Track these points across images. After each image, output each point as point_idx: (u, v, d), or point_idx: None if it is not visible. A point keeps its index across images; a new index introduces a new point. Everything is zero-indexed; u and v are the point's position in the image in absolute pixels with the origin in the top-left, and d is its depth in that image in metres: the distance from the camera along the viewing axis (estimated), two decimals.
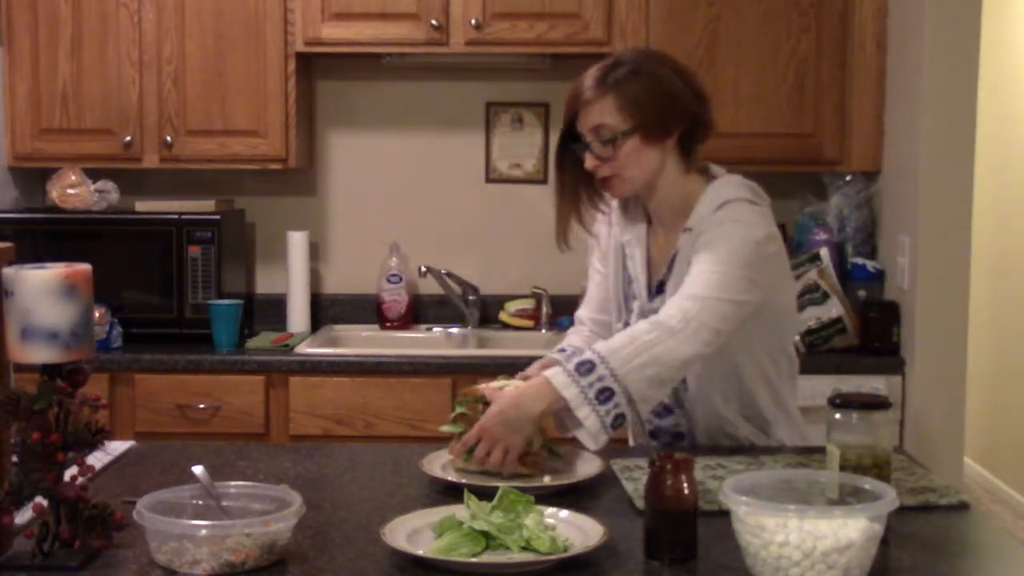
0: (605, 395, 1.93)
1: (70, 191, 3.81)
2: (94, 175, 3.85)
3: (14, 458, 1.57)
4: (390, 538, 1.59)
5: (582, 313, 2.39)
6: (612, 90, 2.11)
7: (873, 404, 1.74)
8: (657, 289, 2.20)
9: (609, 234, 2.31)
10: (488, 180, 4.10)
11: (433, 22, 3.66)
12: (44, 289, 1.54)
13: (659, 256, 2.23)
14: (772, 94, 3.75)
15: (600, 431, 1.93)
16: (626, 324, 2.23)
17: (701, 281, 2.02)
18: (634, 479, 1.92)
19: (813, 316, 3.55)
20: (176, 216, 3.65)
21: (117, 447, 2.12)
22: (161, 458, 2.13)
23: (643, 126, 2.10)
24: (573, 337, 2.35)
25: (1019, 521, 5.34)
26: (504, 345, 3.81)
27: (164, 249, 3.65)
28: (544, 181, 4.14)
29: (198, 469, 1.68)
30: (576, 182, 2.22)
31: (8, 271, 1.56)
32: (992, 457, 5.78)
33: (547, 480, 1.92)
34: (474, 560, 1.55)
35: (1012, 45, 5.49)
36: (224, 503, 1.65)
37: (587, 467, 1.97)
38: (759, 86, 3.74)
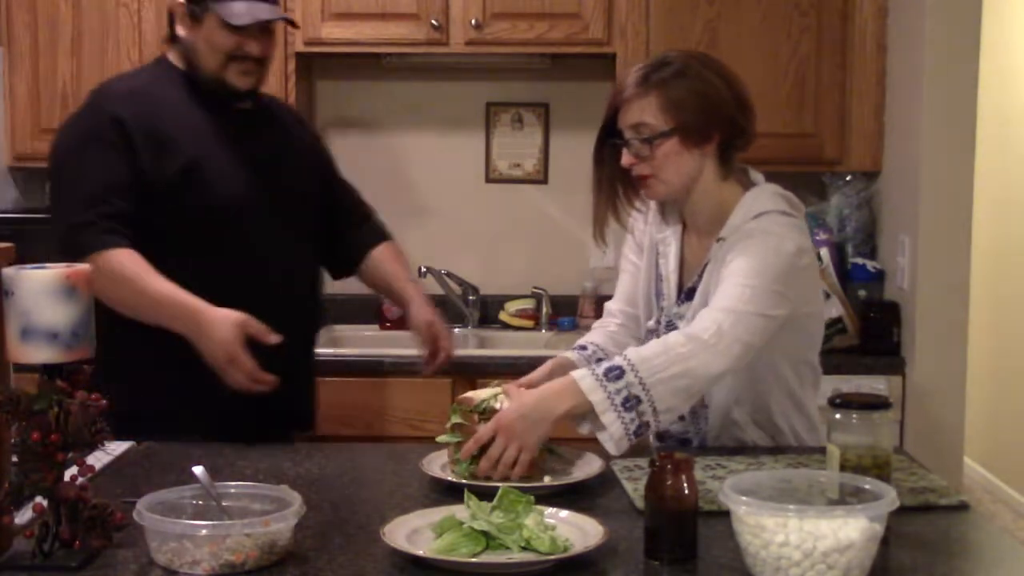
0: (631, 403, 1.91)
1: None
2: None
3: (14, 458, 1.57)
4: (390, 538, 1.59)
5: (612, 305, 2.37)
6: (655, 89, 2.09)
7: (873, 404, 1.74)
8: (686, 295, 2.19)
9: (644, 229, 2.30)
10: (488, 180, 4.10)
11: (433, 22, 3.66)
12: (44, 289, 1.54)
13: (691, 260, 2.21)
14: (772, 94, 3.74)
15: (623, 438, 1.92)
16: (657, 322, 2.23)
17: (735, 294, 2.00)
18: (634, 479, 1.92)
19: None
20: None
21: (117, 447, 2.12)
22: (161, 458, 2.13)
23: (683, 129, 2.09)
24: (596, 333, 2.33)
25: (1019, 521, 5.34)
26: (504, 345, 3.81)
27: None
28: (544, 181, 4.14)
29: (198, 469, 1.68)
30: (614, 178, 2.21)
31: (8, 271, 1.55)
32: (992, 457, 5.78)
33: (547, 480, 1.91)
34: (474, 560, 1.55)
35: (1012, 45, 5.49)
36: (224, 503, 1.65)
37: (587, 467, 1.97)
38: (759, 86, 3.71)
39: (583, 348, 2.27)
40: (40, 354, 1.55)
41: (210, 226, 2.40)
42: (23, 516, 1.59)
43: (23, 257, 1.64)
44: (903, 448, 2.97)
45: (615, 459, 2.03)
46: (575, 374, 1.96)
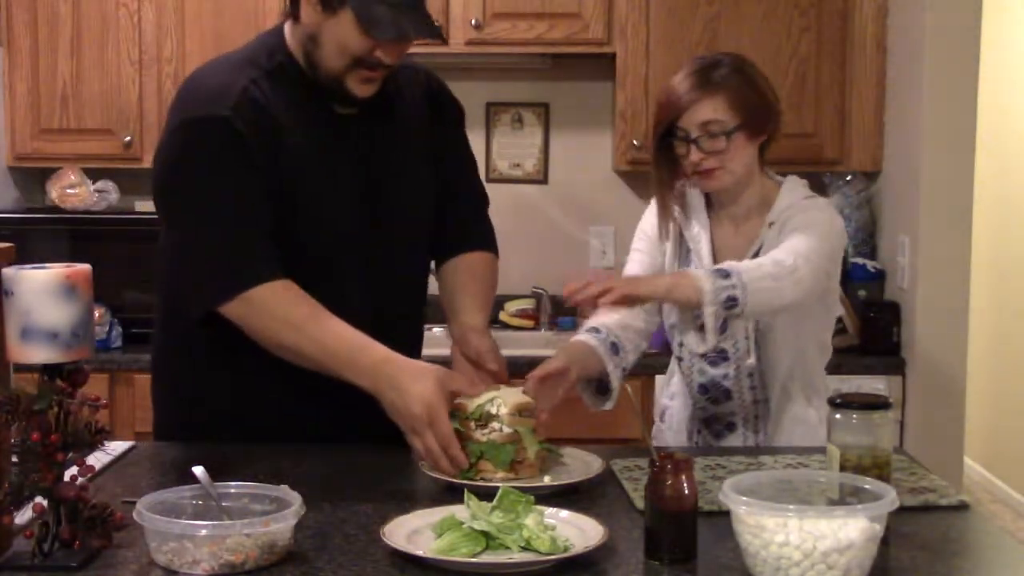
0: (731, 303, 2.04)
1: (70, 191, 3.81)
2: (94, 175, 3.85)
3: (14, 458, 1.57)
4: (390, 538, 1.58)
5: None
6: (723, 88, 2.21)
7: (873, 404, 1.74)
8: None
9: (665, 227, 2.37)
10: (488, 180, 4.09)
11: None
12: (44, 289, 1.54)
13: (725, 248, 2.30)
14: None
15: (714, 332, 2.07)
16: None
17: (804, 245, 2.14)
18: (634, 479, 1.92)
19: None
20: None
21: (117, 447, 2.12)
22: (161, 458, 2.13)
23: (748, 123, 2.22)
24: (604, 316, 2.37)
25: (1019, 521, 5.34)
26: (504, 345, 3.75)
27: None
28: (544, 181, 4.14)
29: (198, 469, 1.68)
30: (672, 177, 2.31)
31: (8, 271, 1.55)
32: (992, 457, 5.78)
33: (547, 480, 1.91)
34: (474, 560, 1.55)
35: (1012, 45, 5.49)
36: (224, 503, 1.65)
37: (587, 467, 1.97)
38: None
39: (597, 331, 2.31)
40: (40, 354, 1.55)
41: (297, 253, 2.08)
42: (23, 516, 1.59)
43: (23, 257, 1.64)
44: (903, 448, 2.97)
45: (615, 459, 2.03)
46: (687, 270, 2.18)
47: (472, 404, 1.96)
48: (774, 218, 2.26)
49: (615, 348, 2.30)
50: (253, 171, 2.04)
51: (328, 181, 2.12)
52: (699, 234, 2.33)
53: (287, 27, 2.14)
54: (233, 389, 2.17)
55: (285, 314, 2.01)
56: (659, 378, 3.50)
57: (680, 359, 2.38)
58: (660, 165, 2.30)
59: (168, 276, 2.19)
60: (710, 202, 2.35)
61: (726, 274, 2.05)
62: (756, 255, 2.24)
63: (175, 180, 2.08)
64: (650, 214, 2.42)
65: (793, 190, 2.30)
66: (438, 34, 2.10)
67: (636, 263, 2.42)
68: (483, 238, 2.37)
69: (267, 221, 2.05)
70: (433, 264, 2.36)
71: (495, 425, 1.93)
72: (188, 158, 2.06)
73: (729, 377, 2.31)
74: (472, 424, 1.94)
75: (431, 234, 2.29)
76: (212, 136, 2.04)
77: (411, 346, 2.23)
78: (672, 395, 2.48)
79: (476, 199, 2.40)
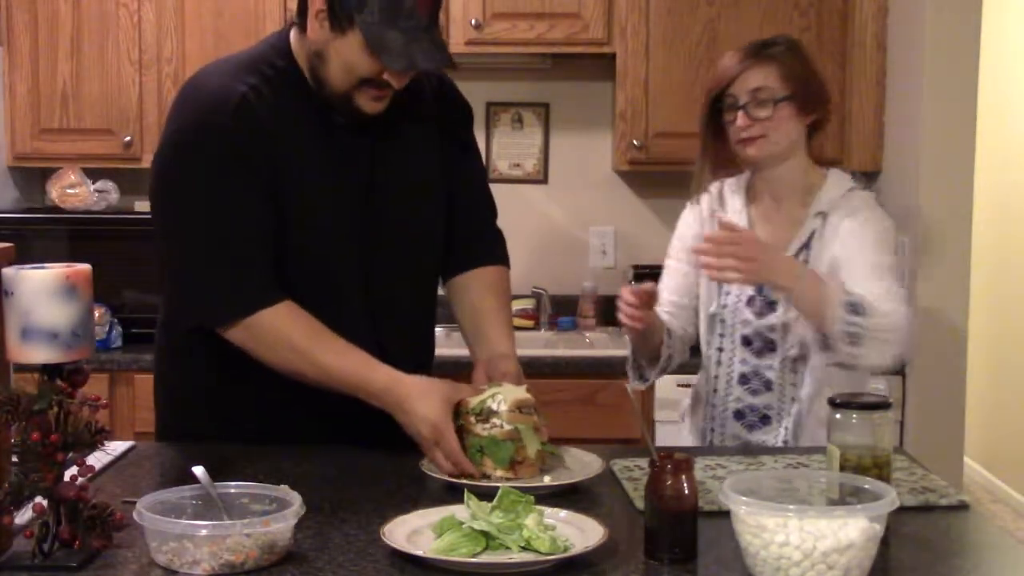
0: (855, 339, 2.11)
1: (70, 191, 3.81)
2: (94, 175, 3.85)
3: (14, 458, 1.57)
4: (390, 538, 1.58)
5: (663, 295, 2.45)
6: (776, 60, 2.29)
7: (873, 404, 1.74)
8: None
9: (698, 227, 2.42)
10: (488, 180, 4.09)
11: None
12: (44, 289, 1.54)
13: (769, 238, 2.32)
14: None
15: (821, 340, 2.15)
16: (722, 307, 2.37)
17: (897, 295, 2.21)
18: (634, 479, 1.92)
19: None
20: None
21: (117, 447, 2.12)
22: (161, 458, 2.13)
23: (798, 96, 2.28)
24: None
25: (1019, 521, 5.34)
26: None
27: None
28: (544, 181, 4.14)
29: (198, 469, 1.68)
30: (717, 144, 2.36)
31: (8, 271, 1.55)
32: (992, 457, 5.78)
33: (547, 480, 1.91)
34: (474, 560, 1.55)
35: (1012, 45, 5.49)
36: (224, 503, 1.65)
37: (587, 467, 1.97)
38: None
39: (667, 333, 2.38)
40: (40, 354, 1.55)
41: (299, 267, 2.06)
42: (23, 516, 1.59)
43: (23, 257, 1.64)
44: (903, 448, 2.97)
45: (615, 459, 2.03)
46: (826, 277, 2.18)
47: (474, 400, 1.96)
48: (823, 208, 2.30)
49: (668, 332, 2.38)
50: (252, 184, 2.00)
51: (328, 191, 2.08)
52: (737, 223, 2.32)
53: (293, 34, 2.10)
54: (234, 391, 2.16)
55: (288, 340, 2.00)
56: (663, 378, 3.50)
57: (721, 349, 2.38)
58: (706, 136, 2.37)
59: (165, 287, 2.17)
60: (750, 195, 2.39)
61: (859, 309, 2.11)
62: (805, 246, 2.29)
63: (172, 192, 2.04)
64: (686, 216, 2.47)
65: (840, 180, 2.35)
66: (450, 62, 2.03)
67: (671, 273, 2.47)
68: (495, 251, 2.33)
69: (267, 238, 2.02)
70: (441, 276, 2.32)
71: (496, 421, 1.93)
72: (186, 170, 2.02)
73: (774, 368, 2.33)
74: (473, 419, 1.94)
75: (439, 248, 2.25)
76: (210, 147, 2.00)
77: (419, 358, 2.22)
78: (699, 392, 2.46)
79: (485, 210, 2.35)
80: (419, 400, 1.95)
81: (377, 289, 2.14)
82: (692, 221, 2.47)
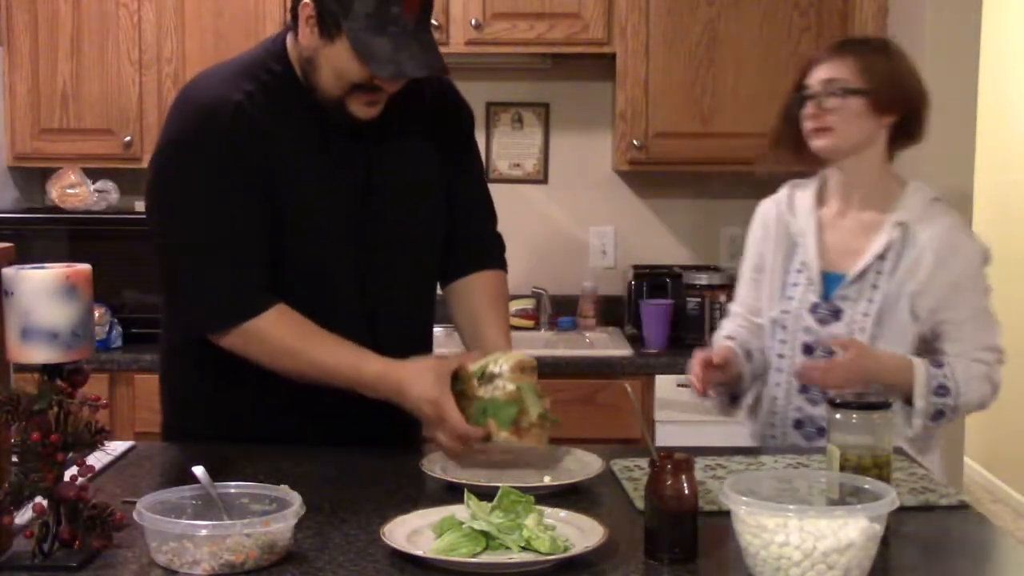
0: (939, 416, 2.22)
1: (70, 191, 3.81)
2: (94, 175, 3.85)
3: (14, 458, 1.57)
4: (390, 538, 1.58)
5: (735, 307, 2.48)
6: (854, 54, 2.27)
7: (873, 404, 1.74)
8: (858, 277, 2.27)
9: (765, 237, 2.41)
10: (488, 180, 4.08)
11: (433, 22, 3.65)
12: (44, 289, 1.54)
13: (838, 243, 2.31)
14: (772, 94, 3.72)
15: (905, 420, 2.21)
16: (784, 313, 2.33)
17: (987, 330, 2.34)
18: (634, 479, 1.92)
19: None
20: None
21: (117, 447, 2.12)
22: (161, 458, 2.13)
23: (872, 93, 2.24)
24: (730, 325, 2.45)
25: (1019, 521, 5.34)
26: None
27: None
28: (544, 181, 4.14)
29: (198, 469, 1.68)
30: (793, 134, 2.33)
31: (8, 271, 1.55)
32: (992, 457, 5.78)
33: (547, 480, 1.91)
34: (474, 560, 1.55)
35: (1012, 45, 5.49)
36: (224, 503, 1.65)
37: (587, 467, 1.97)
38: (759, 86, 3.74)
39: (731, 338, 2.41)
40: (40, 354, 1.55)
41: (296, 269, 2.07)
42: (23, 516, 1.59)
43: (23, 257, 1.64)
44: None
45: (615, 459, 2.03)
46: (915, 361, 2.20)
47: (475, 365, 1.97)
48: (904, 218, 2.26)
49: (748, 355, 2.37)
50: (247, 188, 2.01)
51: (324, 194, 2.08)
52: (805, 227, 2.33)
53: (289, 38, 2.09)
54: (235, 392, 2.16)
55: (280, 343, 2.02)
56: (663, 378, 3.51)
57: (782, 356, 2.33)
58: (783, 125, 2.35)
59: (162, 293, 2.17)
60: (820, 198, 2.36)
61: (944, 391, 2.20)
62: (881, 256, 2.25)
63: (167, 196, 2.05)
64: (755, 228, 2.45)
65: (921, 190, 2.31)
66: (441, 67, 2.02)
67: (746, 285, 2.46)
68: (493, 256, 2.33)
69: (261, 243, 2.03)
70: (440, 280, 2.32)
71: (498, 383, 1.94)
72: (181, 174, 2.03)
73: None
74: (475, 383, 1.95)
75: (438, 251, 2.25)
76: (205, 152, 2.00)
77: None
78: (760, 397, 2.43)
79: (485, 214, 2.34)
80: (414, 382, 1.96)
81: (374, 291, 2.14)
82: (759, 230, 2.43)
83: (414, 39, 1.96)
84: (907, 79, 2.29)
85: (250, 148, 2.01)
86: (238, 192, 2.01)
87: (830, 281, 2.29)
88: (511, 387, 1.93)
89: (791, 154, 2.36)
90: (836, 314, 2.27)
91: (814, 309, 2.29)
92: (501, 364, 1.96)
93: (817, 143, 2.27)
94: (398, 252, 2.16)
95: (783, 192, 2.42)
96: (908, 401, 2.21)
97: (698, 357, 2.25)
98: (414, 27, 1.96)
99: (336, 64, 1.98)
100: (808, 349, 2.29)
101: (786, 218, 2.38)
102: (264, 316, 2.01)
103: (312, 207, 2.07)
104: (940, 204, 2.30)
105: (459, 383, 1.96)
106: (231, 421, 2.17)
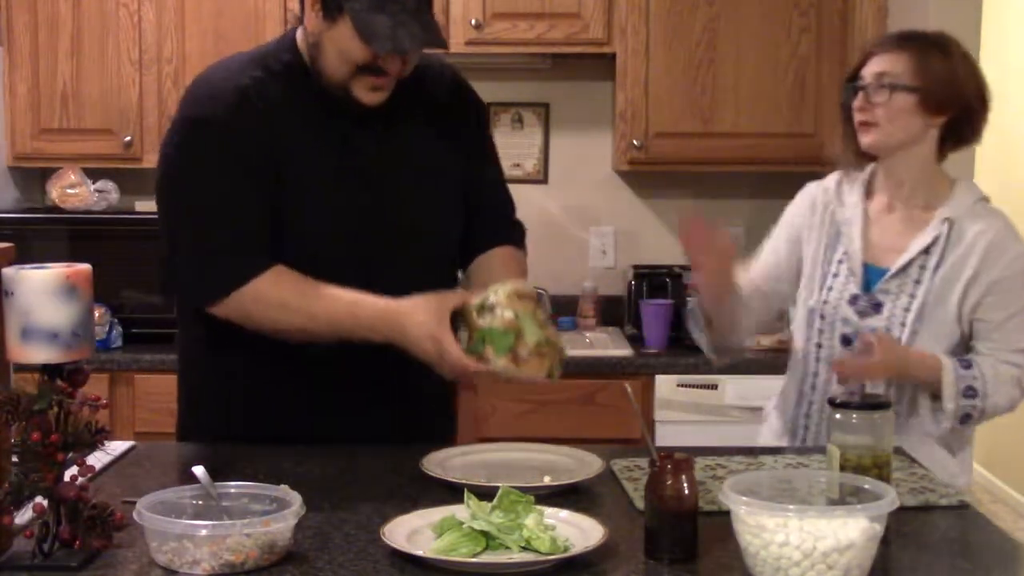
0: (966, 419, 2.20)
1: (70, 191, 3.81)
2: (94, 175, 3.85)
3: (14, 458, 1.57)
4: (390, 538, 1.58)
5: (750, 273, 2.44)
6: (910, 49, 2.23)
7: (873, 404, 1.74)
8: (901, 270, 2.25)
9: (811, 220, 2.38)
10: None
11: None
12: (44, 289, 1.54)
13: (881, 237, 2.30)
14: (772, 94, 3.75)
15: (931, 419, 2.22)
16: (823, 303, 2.30)
17: None
18: (634, 479, 1.92)
19: None
20: None
21: (117, 447, 2.12)
22: (161, 458, 2.13)
23: (923, 91, 2.20)
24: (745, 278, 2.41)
25: (1019, 521, 5.34)
26: None
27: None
28: (544, 181, 4.14)
29: (198, 469, 1.68)
30: (847, 122, 2.30)
31: (8, 271, 1.55)
32: (992, 457, 5.78)
33: (547, 480, 1.91)
34: (474, 560, 1.55)
35: (1012, 45, 5.49)
36: (224, 503, 1.65)
37: (587, 467, 1.97)
38: (759, 86, 3.74)
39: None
40: (40, 354, 1.55)
41: (300, 254, 2.07)
42: (23, 516, 1.59)
43: (23, 257, 1.64)
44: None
45: (615, 459, 2.03)
46: (944, 361, 2.18)
47: (476, 299, 1.97)
48: (951, 215, 2.24)
49: (747, 308, 2.36)
50: (247, 170, 2.04)
51: (330, 180, 2.09)
52: (852, 218, 2.32)
53: (299, 32, 2.14)
54: (254, 391, 2.17)
55: (280, 301, 2.03)
56: (663, 378, 3.51)
57: (820, 346, 2.32)
58: (844, 117, 2.31)
59: (166, 270, 2.19)
60: (869, 190, 2.34)
61: (973, 393, 2.17)
62: (926, 251, 2.23)
63: (171, 179, 2.10)
64: (800, 202, 2.42)
65: (970, 189, 2.29)
66: (439, 43, 2.05)
67: (765, 254, 2.44)
68: (513, 237, 2.34)
69: (261, 217, 2.05)
70: (460, 268, 2.32)
71: (496, 311, 1.94)
72: (183, 157, 2.09)
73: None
74: (475, 314, 1.95)
75: (451, 241, 2.25)
76: (207, 136, 2.06)
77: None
78: (788, 391, 2.43)
79: (503, 203, 2.35)
80: (413, 320, 1.97)
81: (380, 277, 2.11)
82: (805, 210, 2.40)
83: (414, 18, 2.00)
84: (963, 80, 2.24)
85: (253, 129, 2.05)
86: (239, 168, 2.05)
87: (872, 274, 2.28)
88: (508, 315, 1.93)
89: (853, 150, 2.31)
90: (876, 307, 2.26)
91: (854, 301, 2.28)
92: (499, 292, 1.96)
93: (863, 138, 2.25)
94: (408, 239, 2.16)
95: (832, 180, 2.39)
96: (935, 397, 2.21)
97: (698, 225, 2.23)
98: (415, 6, 2.00)
99: (340, 45, 2.01)
100: (846, 341, 2.27)
101: (832, 206, 2.36)
102: (262, 277, 2.03)
103: (317, 192, 2.09)
104: (989, 204, 2.29)
105: (462, 319, 1.96)
106: (249, 421, 2.18)
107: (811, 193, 2.42)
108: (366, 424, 2.14)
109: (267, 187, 2.05)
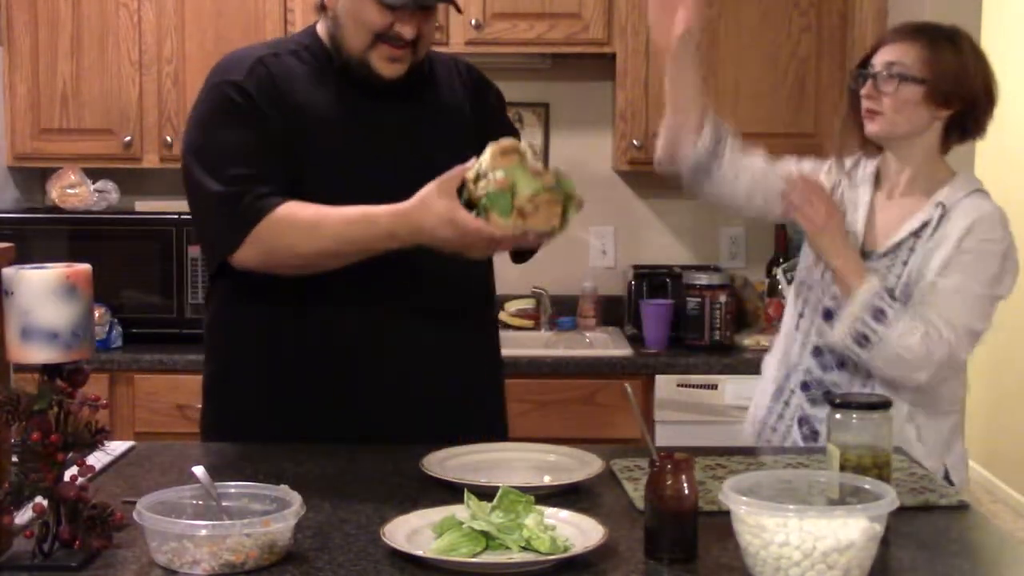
0: (863, 340, 2.16)
1: (70, 191, 3.81)
2: (94, 175, 3.85)
3: (14, 458, 1.57)
4: (390, 538, 1.58)
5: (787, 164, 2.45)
6: (921, 40, 2.23)
7: (873, 404, 1.74)
8: (890, 250, 2.27)
9: (839, 165, 2.40)
10: None
11: None
12: (44, 289, 1.54)
13: (882, 220, 2.31)
14: (772, 94, 3.75)
15: (844, 336, 2.19)
16: (814, 276, 2.33)
17: (965, 317, 2.22)
18: (634, 479, 1.92)
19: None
20: (176, 216, 3.65)
21: (117, 447, 2.12)
22: (161, 458, 2.13)
23: (931, 83, 2.21)
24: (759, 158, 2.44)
25: (1019, 521, 5.34)
26: (504, 345, 3.78)
27: (164, 249, 3.65)
28: None
29: (198, 469, 1.68)
30: (853, 110, 2.31)
31: (8, 271, 1.55)
32: (992, 457, 5.78)
33: (547, 480, 1.92)
34: (474, 560, 1.55)
35: (1012, 45, 5.49)
36: (224, 503, 1.65)
37: (587, 467, 1.97)
38: (759, 86, 3.74)
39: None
40: (40, 354, 1.55)
41: None
42: (23, 516, 1.59)
43: (23, 257, 1.64)
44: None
45: (615, 459, 2.03)
46: (870, 275, 2.20)
47: (471, 171, 1.96)
48: (944, 200, 2.24)
49: (720, 137, 2.40)
50: (260, 126, 2.10)
51: (352, 157, 2.14)
52: (858, 202, 2.33)
53: (319, 23, 2.21)
54: (280, 392, 2.19)
55: (296, 228, 2.04)
56: (663, 378, 3.51)
57: (801, 315, 2.35)
58: (850, 102, 2.32)
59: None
60: (878, 180, 2.35)
61: (879, 315, 2.14)
62: (916, 233, 2.24)
63: (188, 133, 2.17)
64: (820, 164, 2.44)
65: (968, 181, 2.30)
66: (454, 2, 2.14)
67: (785, 160, 2.44)
68: None
69: (273, 161, 2.08)
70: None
71: (488, 175, 1.94)
72: (201, 112, 2.16)
73: (840, 387, 2.28)
74: (472, 186, 1.95)
75: None
76: (224, 92, 2.12)
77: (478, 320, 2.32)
78: (768, 362, 2.46)
79: None
80: (423, 213, 1.97)
81: (400, 251, 2.10)
82: (820, 170, 2.42)
83: None
84: (972, 75, 2.26)
85: (270, 92, 2.11)
86: (254, 117, 2.10)
87: (867, 258, 2.29)
88: (499, 175, 1.92)
89: (855, 134, 2.33)
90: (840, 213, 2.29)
91: None
92: (484, 156, 1.95)
93: (868, 126, 2.27)
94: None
95: (849, 161, 2.41)
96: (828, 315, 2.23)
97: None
98: None
99: (355, 13, 2.09)
100: (828, 314, 2.28)
101: (843, 186, 2.38)
102: (276, 211, 2.05)
103: (336, 165, 2.13)
104: (986, 195, 2.29)
105: (464, 194, 1.96)
106: (273, 421, 2.19)
107: (828, 167, 2.43)
108: (357, 423, 2.16)
109: (281, 143, 2.09)
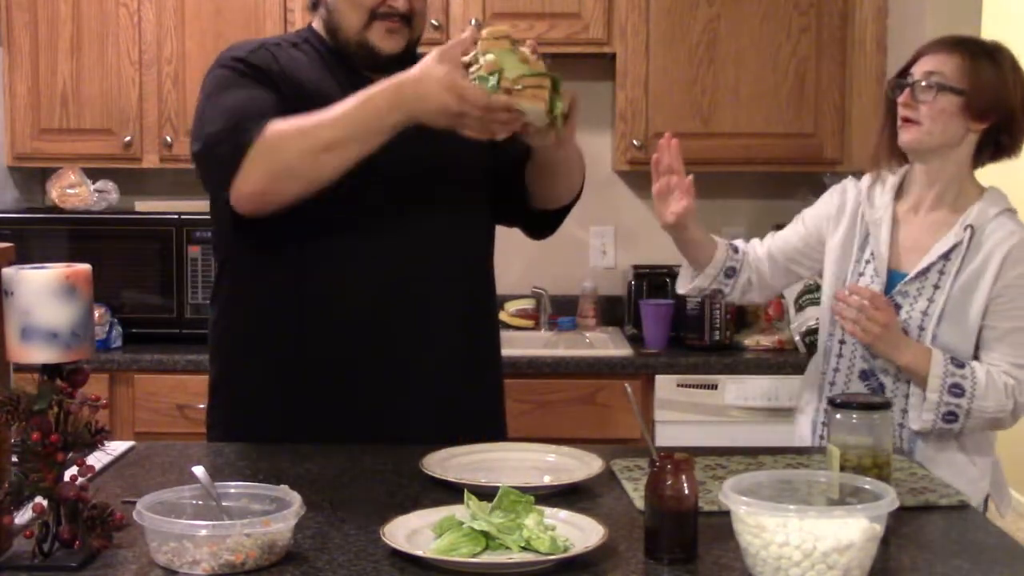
0: (951, 417, 2.22)
1: (70, 191, 3.81)
2: (94, 175, 3.85)
3: (14, 458, 1.57)
4: (390, 538, 1.58)
5: (769, 243, 2.50)
6: (961, 52, 2.24)
7: (873, 404, 1.74)
8: (920, 274, 2.27)
9: (840, 213, 2.41)
10: None
11: (433, 22, 3.66)
12: (44, 289, 1.54)
13: (907, 239, 2.31)
14: (772, 94, 3.75)
15: (918, 413, 2.23)
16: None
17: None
18: (634, 479, 1.92)
19: (814, 316, 3.55)
20: (176, 216, 3.66)
21: (117, 447, 2.12)
22: (161, 458, 2.13)
23: (969, 94, 2.22)
24: (762, 247, 2.51)
25: (1019, 521, 5.34)
26: (504, 345, 3.78)
27: (164, 249, 3.65)
28: None
29: (198, 469, 1.68)
30: (889, 121, 2.32)
31: (8, 271, 1.55)
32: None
33: (547, 480, 1.92)
34: (474, 560, 1.55)
35: (1012, 45, 5.48)
36: (224, 503, 1.65)
37: (587, 467, 1.97)
38: (759, 86, 3.74)
39: (735, 248, 2.49)
40: (40, 354, 1.55)
41: (338, 204, 2.08)
42: (23, 516, 1.59)
43: (23, 257, 1.64)
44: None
45: (615, 459, 2.03)
46: (935, 353, 2.20)
47: (467, 56, 1.98)
48: (973, 222, 2.25)
49: (735, 250, 2.45)
50: (264, 88, 2.11)
51: None
52: (881, 218, 2.33)
53: (314, 21, 2.28)
54: (286, 393, 2.19)
55: (296, 128, 2.00)
56: (663, 378, 3.51)
57: (843, 342, 2.36)
58: (886, 112, 2.33)
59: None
60: (900, 192, 2.35)
61: (960, 391, 2.18)
62: (945, 256, 2.25)
63: (198, 107, 2.17)
64: (833, 195, 2.45)
65: (997, 199, 2.30)
66: None
67: (788, 230, 2.48)
68: None
69: (271, 113, 2.05)
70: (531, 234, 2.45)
71: (479, 60, 1.95)
72: (207, 89, 2.17)
73: (888, 372, 2.30)
74: (465, 70, 1.96)
75: (487, 185, 2.30)
76: (231, 69, 2.16)
77: (478, 304, 2.30)
78: (810, 387, 2.47)
79: None
80: (423, 79, 1.95)
81: (417, 221, 2.13)
82: (832, 208, 2.43)
83: None
84: (1010, 90, 2.25)
85: (274, 70, 2.15)
86: (254, 84, 2.12)
87: (895, 277, 2.30)
88: (489, 57, 1.94)
89: (888, 147, 2.33)
90: (897, 308, 2.28)
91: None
92: (478, 41, 1.97)
93: (903, 135, 2.27)
94: (440, 182, 2.20)
95: (865, 181, 2.41)
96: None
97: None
98: None
99: None
100: (865, 375, 2.31)
101: (863, 207, 2.37)
102: (268, 128, 2.01)
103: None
104: (1014, 215, 2.29)
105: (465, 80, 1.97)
106: (278, 420, 2.19)
107: (845, 188, 2.45)
108: (357, 423, 2.17)
109: (285, 113, 2.05)
